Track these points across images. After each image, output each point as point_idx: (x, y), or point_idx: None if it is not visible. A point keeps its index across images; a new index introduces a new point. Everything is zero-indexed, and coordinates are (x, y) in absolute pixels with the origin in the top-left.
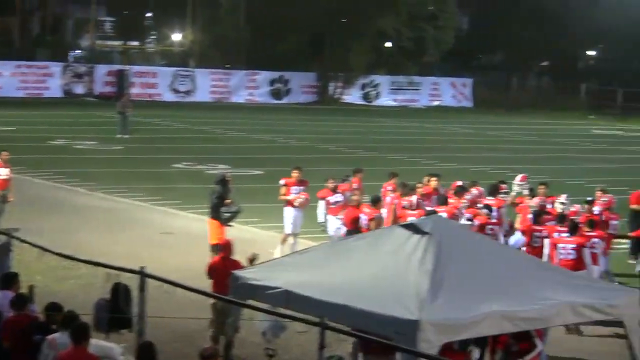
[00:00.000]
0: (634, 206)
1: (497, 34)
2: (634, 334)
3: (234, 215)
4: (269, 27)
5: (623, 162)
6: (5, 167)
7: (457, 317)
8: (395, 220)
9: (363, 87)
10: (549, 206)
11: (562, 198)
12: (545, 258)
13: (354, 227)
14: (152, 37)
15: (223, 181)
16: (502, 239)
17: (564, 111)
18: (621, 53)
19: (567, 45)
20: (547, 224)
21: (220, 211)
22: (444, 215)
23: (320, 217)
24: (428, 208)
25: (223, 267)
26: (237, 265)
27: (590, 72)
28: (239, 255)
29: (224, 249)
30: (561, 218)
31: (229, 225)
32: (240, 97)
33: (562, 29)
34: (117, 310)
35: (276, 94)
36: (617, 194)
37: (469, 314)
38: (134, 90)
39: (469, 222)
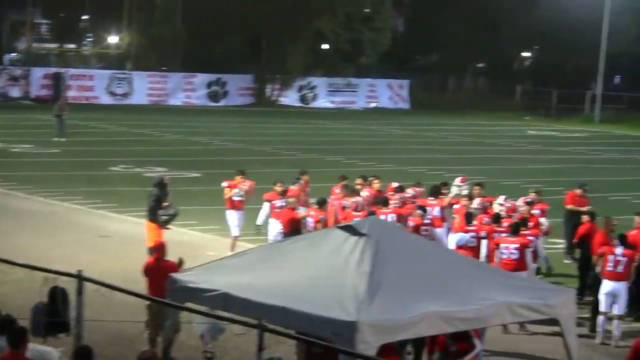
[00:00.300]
0: (569, 206)
1: (433, 35)
2: (569, 332)
3: (172, 217)
4: (206, 29)
5: (558, 162)
6: None
7: (395, 317)
8: (338, 222)
9: (300, 89)
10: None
11: (501, 199)
12: (482, 258)
13: (291, 229)
14: (89, 39)
15: (161, 184)
16: (447, 238)
17: (500, 112)
18: (556, 54)
19: (502, 46)
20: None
21: (158, 214)
22: (392, 216)
23: (260, 220)
24: (370, 209)
25: (157, 268)
26: (171, 266)
27: (526, 73)
28: (174, 257)
29: (157, 250)
30: (496, 218)
31: (167, 228)
32: (178, 100)
33: (497, 30)
34: (54, 314)
35: (213, 97)
36: (552, 194)
37: (407, 314)
38: (71, 93)
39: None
